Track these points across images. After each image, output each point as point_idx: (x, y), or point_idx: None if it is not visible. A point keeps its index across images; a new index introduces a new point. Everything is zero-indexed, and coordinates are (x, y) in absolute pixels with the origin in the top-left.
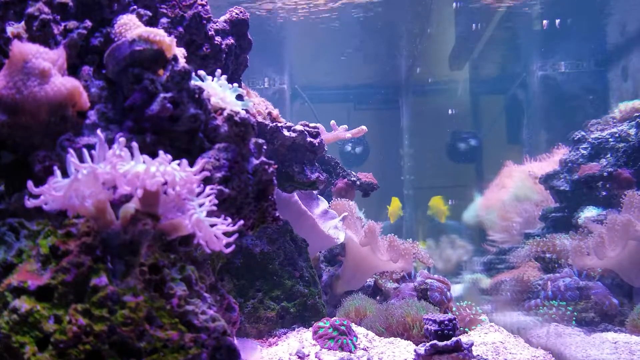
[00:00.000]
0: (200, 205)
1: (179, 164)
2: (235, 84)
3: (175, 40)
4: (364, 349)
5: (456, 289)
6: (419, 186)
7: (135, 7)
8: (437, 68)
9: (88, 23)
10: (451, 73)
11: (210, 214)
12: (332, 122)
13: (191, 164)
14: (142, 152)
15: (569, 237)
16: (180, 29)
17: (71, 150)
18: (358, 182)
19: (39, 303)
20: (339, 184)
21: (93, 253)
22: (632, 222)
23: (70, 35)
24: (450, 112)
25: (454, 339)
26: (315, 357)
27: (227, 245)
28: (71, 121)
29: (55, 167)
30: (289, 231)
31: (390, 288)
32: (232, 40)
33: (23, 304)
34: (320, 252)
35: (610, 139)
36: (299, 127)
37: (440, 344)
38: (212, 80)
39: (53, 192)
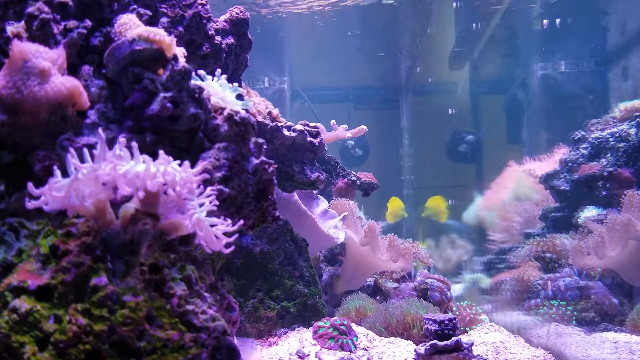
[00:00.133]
0: (201, 205)
1: (180, 165)
2: (235, 84)
3: (175, 39)
4: (364, 349)
5: (456, 289)
6: (419, 186)
7: (135, 6)
8: (437, 68)
9: (88, 22)
10: (451, 73)
11: (210, 213)
12: (332, 121)
13: (191, 164)
14: (142, 151)
15: (569, 237)
16: (180, 29)
17: (71, 150)
18: (358, 182)
19: (38, 303)
20: (339, 183)
21: (93, 253)
22: (632, 222)
23: (70, 34)
24: (450, 112)
25: (454, 338)
26: (316, 356)
27: (227, 245)
28: (71, 121)
29: (55, 167)
30: (289, 231)
31: (390, 288)
32: (232, 40)
33: (23, 303)
34: (320, 251)
35: (610, 139)
36: (299, 127)
37: (441, 343)
38: (212, 80)
39: (54, 193)
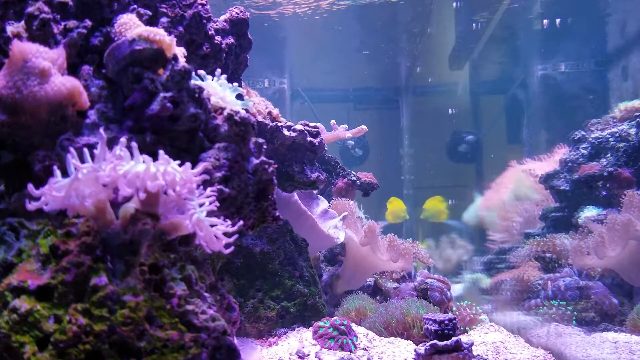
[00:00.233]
0: (201, 205)
1: (180, 165)
2: (235, 84)
3: (175, 39)
4: (364, 349)
5: (456, 289)
6: (419, 186)
7: (135, 6)
8: (437, 68)
9: (88, 22)
10: (451, 73)
11: (210, 213)
12: (332, 121)
13: (191, 164)
14: (142, 151)
15: (569, 237)
16: (180, 29)
17: (72, 150)
18: (358, 182)
19: (38, 303)
20: (339, 183)
21: (93, 253)
22: (632, 222)
23: (70, 34)
24: (450, 112)
25: (454, 338)
26: (316, 356)
27: (227, 245)
28: (71, 121)
29: (55, 167)
30: (289, 231)
31: (390, 288)
32: (232, 40)
33: (23, 303)
34: (320, 251)
35: (610, 139)
36: (299, 127)
37: (441, 343)
38: (212, 80)
39: (54, 193)
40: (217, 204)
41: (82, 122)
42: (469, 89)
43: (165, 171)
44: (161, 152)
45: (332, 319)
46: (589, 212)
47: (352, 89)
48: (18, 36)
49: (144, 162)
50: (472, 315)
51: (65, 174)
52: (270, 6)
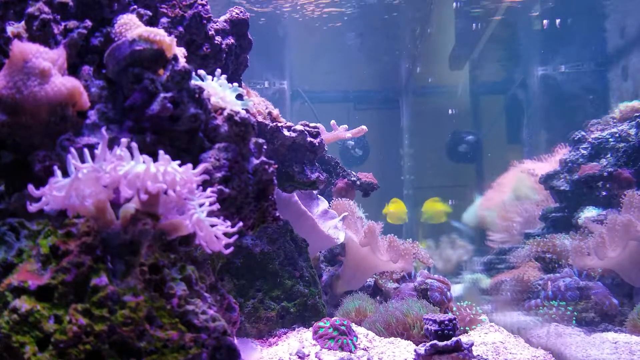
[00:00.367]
0: (201, 205)
1: (180, 165)
2: (235, 84)
3: (175, 40)
4: (364, 349)
5: (456, 289)
6: (419, 186)
7: (135, 6)
8: (437, 68)
9: (88, 23)
10: (451, 73)
11: (210, 213)
12: (332, 122)
13: (192, 164)
14: (142, 152)
15: (569, 237)
16: (181, 29)
17: (72, 150)
18: (358, 182)
19: (39, 303)
20: (339, 183)
21: (93, 253)
22: (632, 223)
23: (71, 34)
24: (450, 112)
25: (454, 339)
26: (316, 357)
27: (227, 245)
28: (71, 121)
29: (56, 167)
30: (289, 231)
31: (390, 288)
32: (232, 40)
33: (23, 303)
34: (320, 252)
35: (610, 139)
36: (299, 127)
37: (441, 344)
38: (212, 80)
39: (54, 192)
40: (218, 204)
41: (82, 122)
42: (469, 89)
43: (166, 171)
44: (161, 152)
45: (332, 319)
46: (589, 213)
47: (352, 89)
48: (18, 36)
49: (144, 162)
50: (472, 316)
51: (65, 174)
52: (271, 6)
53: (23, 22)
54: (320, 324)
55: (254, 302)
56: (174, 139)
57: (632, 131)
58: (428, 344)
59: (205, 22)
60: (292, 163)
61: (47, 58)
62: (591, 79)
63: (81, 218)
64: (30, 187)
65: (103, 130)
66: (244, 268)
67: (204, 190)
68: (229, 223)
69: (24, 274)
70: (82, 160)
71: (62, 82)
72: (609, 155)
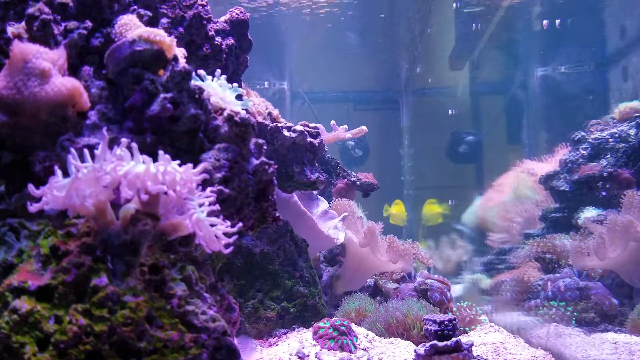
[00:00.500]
0: (200, 205)
1: (180, 165)
2: (235, 84)
3: (175, 40)
4: (364, 349)
5: (456, 289)
6: (419, 186)
7: (135, 7)
8: (437, 68)
9: (88, 23)
10: (451, 73)
11: (210, 214)
12: (332, 122)
13: (192, 164)
14: (142, 152)
15: (569, 238)
16: (181, 29)
17: (72, 150)
18: (358, 182)
19: (39, 303)
20: (339, 184)
21: (93, 253)
22: (633, 223)
23: (71, 35)
24: (450, 112)
25: (454, 339)
26: (315, 357)
27: (227, 245)
28: (71, 121)
29: (56, 167)
30: (289, 231)
31: (390, 288)
32: (232, 41)
33: (23, 304)
34: (320, 252)
35: (610, 139)
36: (299, 127)
37: (440, 344)
38: (212, 80)
39: (54, 192)
40: (217, 204)
41: (82, 122)
42: (469, 90)
43: (166, 171)
44: (161, 152)
45: (332, 319)
46: (588, 213)
47: (352, 89)
48: (19, 37)
49: (144, 162)
50: (472, 316)
51: (65, 175)
52: (271, 6)
53: (23, 23)
54: (320, 324)
55: (254, 302)
56: (174, 140)
57: (632, 131)
58: (428, 344)
59: (205, 22)
60: (292, 163)
61: (47, 58)
62: (591, 80)
63: (81, 218)
64: (31, 187)
65: (104, 130)
66: (244, 268)
67: (204, 190)
68: (228, 223)
69: (24, 274)
70: (82, 161)
71: (62, 83)
72: (608, 156)
